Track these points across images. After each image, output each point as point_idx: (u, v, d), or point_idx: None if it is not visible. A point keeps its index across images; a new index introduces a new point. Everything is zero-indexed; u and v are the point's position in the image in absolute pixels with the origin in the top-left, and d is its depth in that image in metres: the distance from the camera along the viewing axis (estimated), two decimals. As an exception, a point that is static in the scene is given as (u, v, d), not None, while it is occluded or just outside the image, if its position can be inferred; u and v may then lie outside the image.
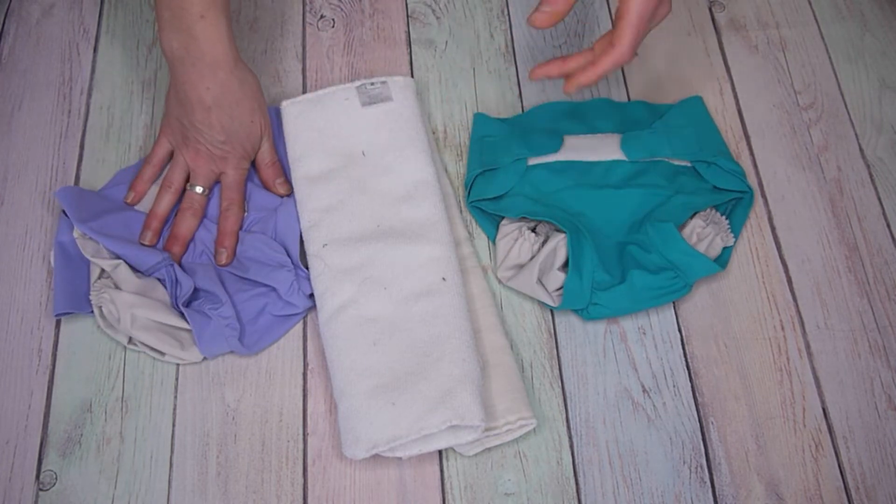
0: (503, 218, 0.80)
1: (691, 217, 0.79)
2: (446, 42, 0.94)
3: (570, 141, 0.83)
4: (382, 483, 0.71)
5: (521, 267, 0.78)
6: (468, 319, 0.74)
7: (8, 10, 0.97)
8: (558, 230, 0.78)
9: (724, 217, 0.80)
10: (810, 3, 0.95)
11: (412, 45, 0.93)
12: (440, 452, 0.72)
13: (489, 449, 0.72)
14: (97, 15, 0.96)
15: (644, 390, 0.74)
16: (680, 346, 0.76)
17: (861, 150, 0.86)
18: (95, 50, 0.94)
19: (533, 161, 0.82)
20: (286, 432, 0.73)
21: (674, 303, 0.78)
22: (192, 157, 0.79)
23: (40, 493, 0.71)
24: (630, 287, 0.75)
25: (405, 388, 0.70)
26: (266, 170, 0.82)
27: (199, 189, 0.80)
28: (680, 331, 0.77)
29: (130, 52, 0.93)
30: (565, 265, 0.76)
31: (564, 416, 0.74)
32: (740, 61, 0.92)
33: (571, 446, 0.72)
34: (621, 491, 0.71)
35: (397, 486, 0.71)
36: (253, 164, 0.83)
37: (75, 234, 0.78)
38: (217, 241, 0.79)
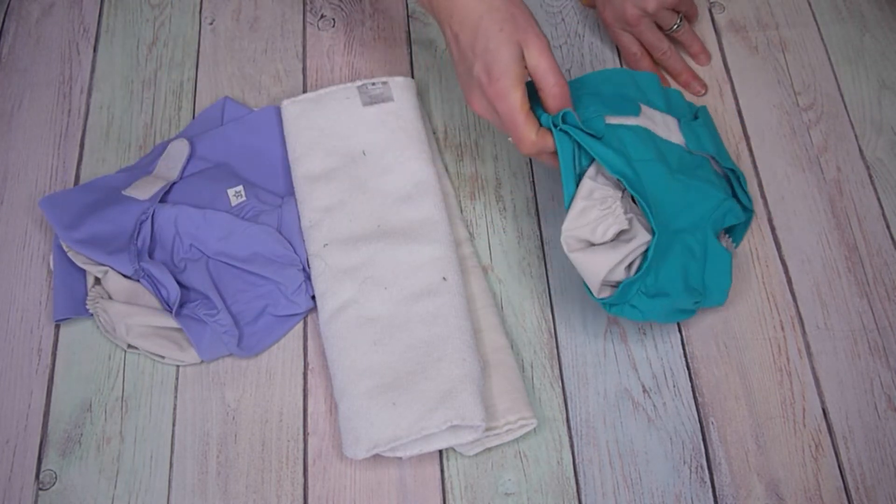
0: (583, 174, 0.72)
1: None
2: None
3: (645, 109, 0.77)
4: (383, 483, 0.71)
5: (590, 244, 0.71)
6: (469, 319, 0.74)
7: (8, 9, 0.97)
8: (641, 220, 0.71)
9: (725, 234, 0.79)
10: (810, 4, 0.95)
11: (412, 45, 0.93)
12: (440, 452, 0.72)
13: (489, 449, 0.72)
14: (97, 14, 0.96)
15: (644, 390, 0.74)
16: (680, 346, 0.76)
17: (861, 150, 0.86)
18: (95, 49, 0.94)
19: (611, 120, 0.73)
20: (286, 432, 0.73)
21: (674, 303, 0.78)
22: (474, 109, 0.73)
23: (40, 492, 0.71)
24: (671, 304, 0.71)
25: (406, 387, 0.70)
26: (549, 98, 0.71)
27: None
28: (680, 331, 0.77)
29: (130, 52, 0.93)
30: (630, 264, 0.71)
31: (565, 416, 0.74)
32: (740, 62, 0.92)
33: (572, 446, 0.72)
34: (621, 491, 0.71)
35: (397, 486, 0.71)
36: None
37: (64, 246, 0.77)
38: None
